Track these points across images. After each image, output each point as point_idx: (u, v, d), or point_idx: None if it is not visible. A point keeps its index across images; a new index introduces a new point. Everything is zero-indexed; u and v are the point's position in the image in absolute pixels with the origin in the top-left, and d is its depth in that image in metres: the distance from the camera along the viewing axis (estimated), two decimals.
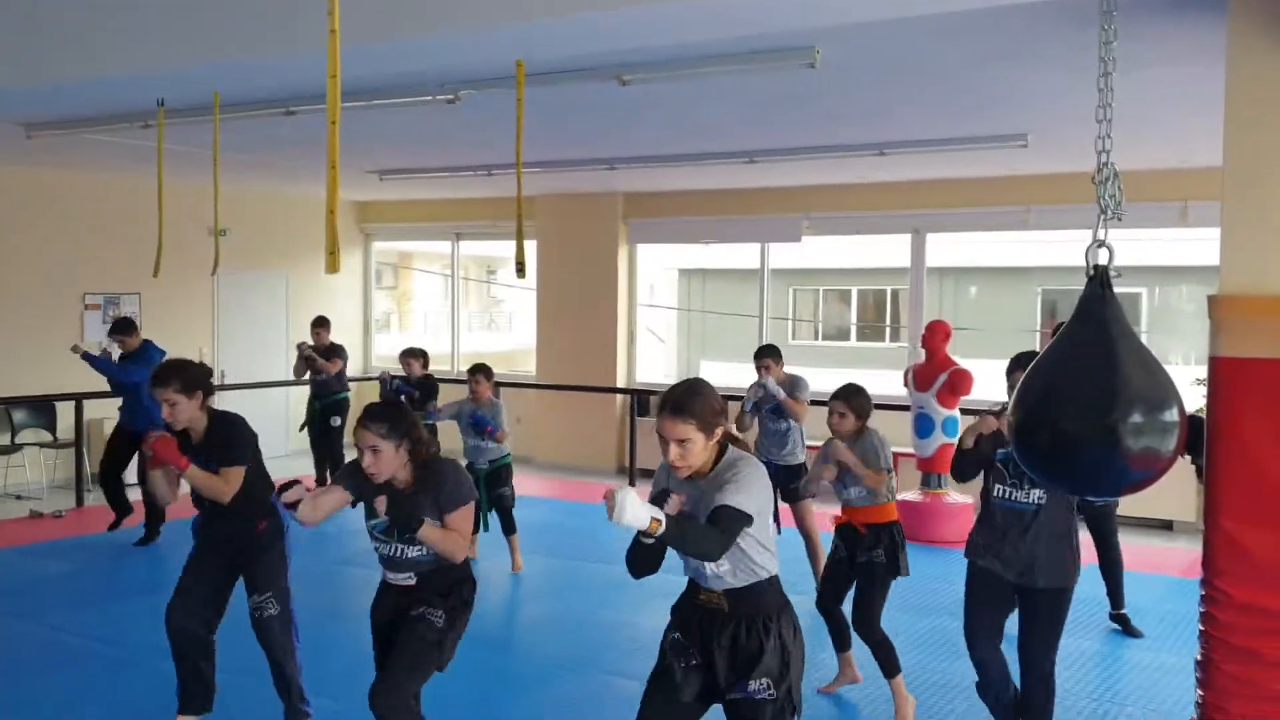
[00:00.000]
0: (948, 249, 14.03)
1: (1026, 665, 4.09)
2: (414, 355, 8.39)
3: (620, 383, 11.83)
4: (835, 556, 5.02)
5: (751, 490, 2.88)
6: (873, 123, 7.17)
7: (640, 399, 11.60)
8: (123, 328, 8.16)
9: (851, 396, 4.87)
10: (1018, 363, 4.27)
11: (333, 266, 2.69)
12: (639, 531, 2.77)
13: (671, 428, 2.90)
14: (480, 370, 7.30)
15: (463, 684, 4.74)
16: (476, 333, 19.87)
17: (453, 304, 13.74)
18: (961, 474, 4.27)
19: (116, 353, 8.17)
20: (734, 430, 3.08)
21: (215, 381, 11.61)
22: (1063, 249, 12.08)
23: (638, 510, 2.68)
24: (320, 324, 9.70)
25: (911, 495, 8.78)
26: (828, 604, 5.04)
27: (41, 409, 10.31)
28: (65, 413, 10.03)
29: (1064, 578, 4.04)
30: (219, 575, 4.33)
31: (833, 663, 5.24)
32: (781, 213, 10.96)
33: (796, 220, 10.91)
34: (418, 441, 3.54)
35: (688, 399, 2.92)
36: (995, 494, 4.13)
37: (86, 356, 8.01)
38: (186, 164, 9.45)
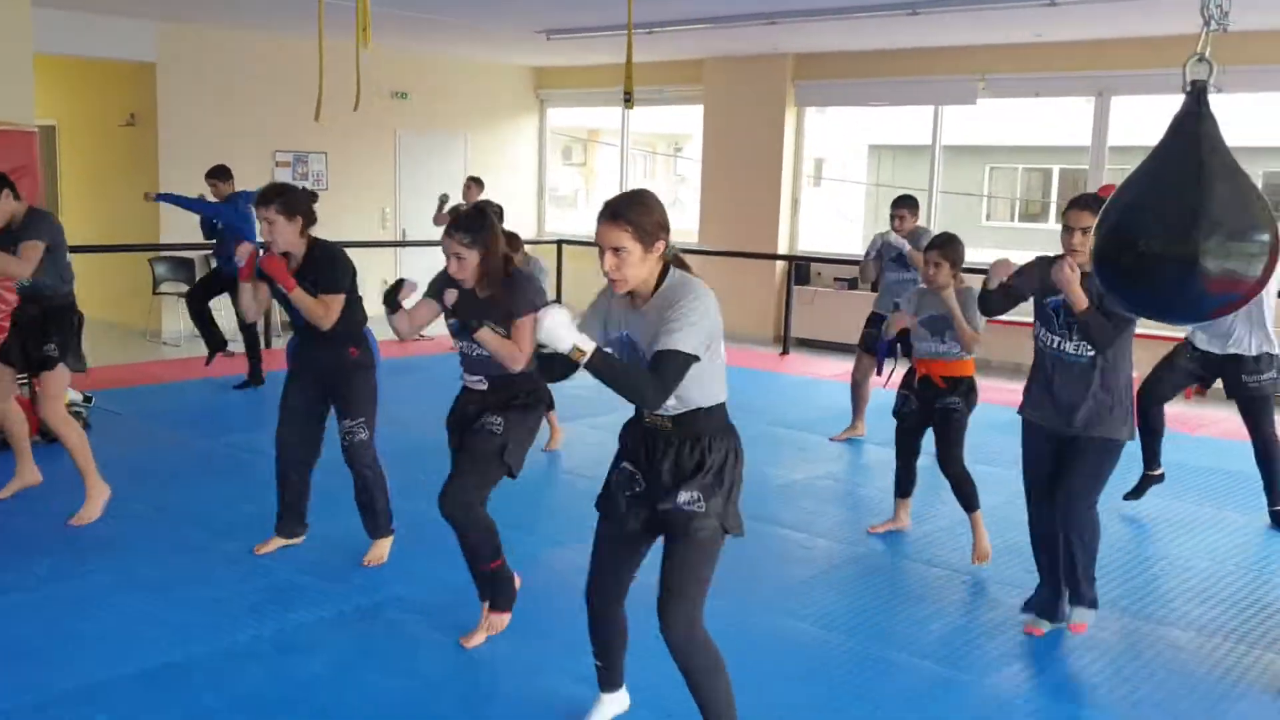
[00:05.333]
0: (1153, 124, 12.95)
1: (1063, 511, 3.92)
2: (476, 182, 9.41)
3: (782, 250, 11.76)
4: (905, 409, 5.06)
5: (694, 325, 2.72)
6: None
7: (799, 267, 11.54)
8: (218, 173, 8.19)
9: (945, 245, 4.82)
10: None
11: None
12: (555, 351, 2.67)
13: (606, 234, 2.76)
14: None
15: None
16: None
17: (622, 172, 13.86)
18: (987, 308, 4.22)
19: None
20: (680, 254, 2.93)
21: (396, 238, 12.36)
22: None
23: (560, 331, 2.60)
24: (474, 182, 9.84)
25: None
26: (904, 457, 5.19)
27: None
28: None
29: (1109, 429, 3.85)
30: (314, 398, 4.58)
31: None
32: (955, 74, 10.51)
33: (971, 82, 10.45)
34: (496, 250, 3.67)
35: (627, 205, 2.77)
36: (1044, 342, 3.97)
37: (164, 198, 8.15)
38: (375, 25, 9.78)
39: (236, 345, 9.61)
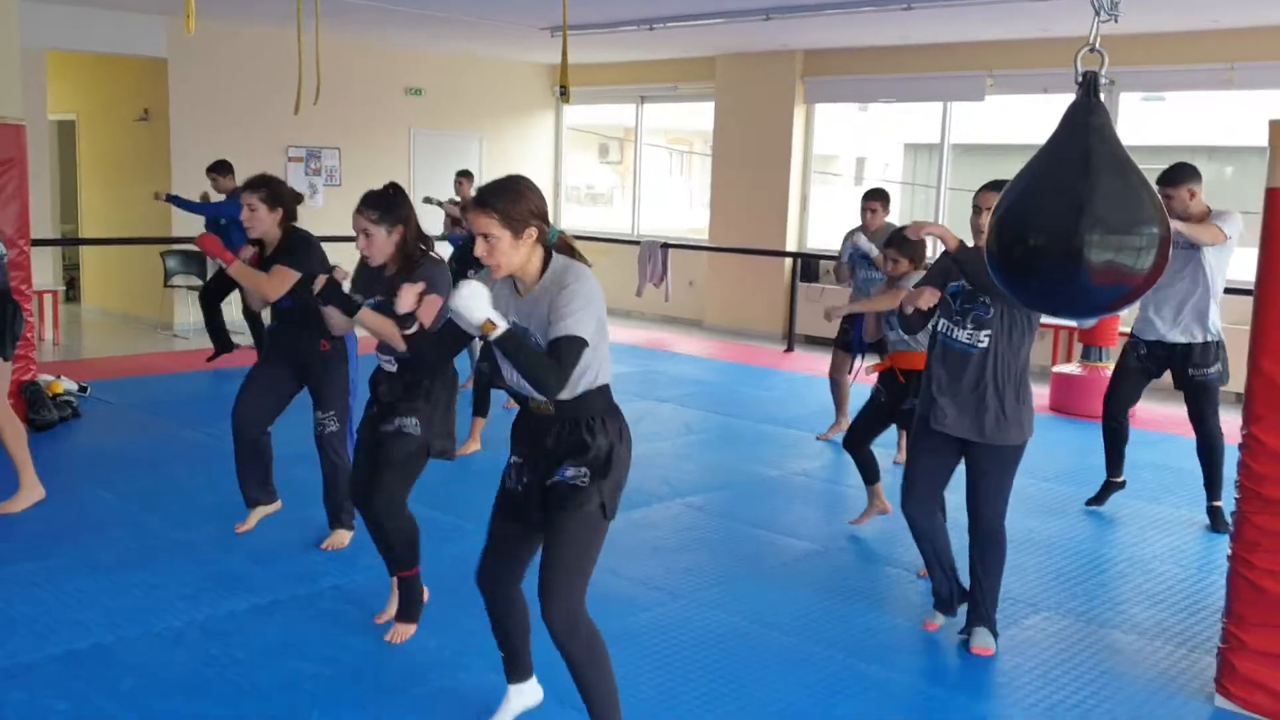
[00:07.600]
0: (1186, 125, 12.51)
1: (973, 519, 3.86)
2: (467, 176, 9.10)
3: (790, 247, 11.69)
4: (875, 401, 5.01)
5: (585, 308, 2.77)
6: None
7: (806, 264, 11.48)
8: (219, 168, 8.41)
9: (904, 244, 4.78)
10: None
11: None
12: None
13: (475, 219, 2.80)
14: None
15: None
16: (697, 209, 19.79)
17: (635, 169, 13.84)
18: (910, 328, 4.04)
19: (212, 195, 8.63)
20: (570, 242, 2.94)
21: None
22: None
23: (475, 303, 2.67)
24: (464, 176, 9.76)
25: (1070, 368, 8.44)
26: (856, 443, 5.08)
27: None
28: None
29: (1011, 434, 3.75)
30: (281, 380, 4.63)
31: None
32: (964, 70, 10.39)
33: (980, 78, 10.33)
34: (408, 231, 3.68)
35: (495, 193, 2.80)
36: (939, 329, 3.87)
37: (171, 199, 8.48)
38: (386, 23, 9.87)
39: (243, 338, 9.78)
